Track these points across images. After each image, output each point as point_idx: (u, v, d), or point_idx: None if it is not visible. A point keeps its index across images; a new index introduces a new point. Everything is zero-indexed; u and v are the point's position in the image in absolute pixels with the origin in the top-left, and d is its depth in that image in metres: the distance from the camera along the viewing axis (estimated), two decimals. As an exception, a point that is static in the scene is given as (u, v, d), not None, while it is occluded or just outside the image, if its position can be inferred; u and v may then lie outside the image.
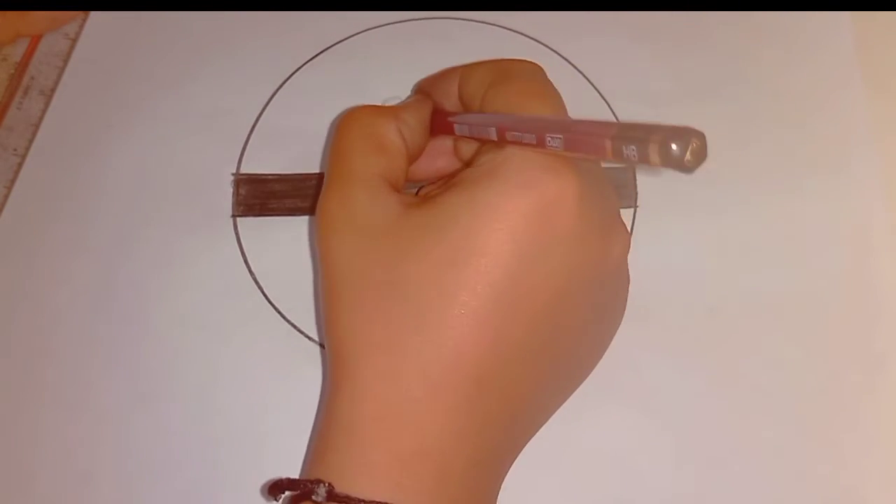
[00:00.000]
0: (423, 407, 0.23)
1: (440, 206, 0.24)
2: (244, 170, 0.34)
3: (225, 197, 0.34)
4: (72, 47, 0.37)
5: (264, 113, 0.35)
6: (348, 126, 0.28)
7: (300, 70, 0.36)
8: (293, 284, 0.32)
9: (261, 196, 0.33)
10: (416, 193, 0.29)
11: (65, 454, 0.30)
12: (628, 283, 0.28)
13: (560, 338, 0.25)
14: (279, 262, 0.33)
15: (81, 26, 0.37)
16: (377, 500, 0.23)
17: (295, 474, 0.29)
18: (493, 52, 0.32)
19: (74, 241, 0.33)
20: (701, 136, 0.18)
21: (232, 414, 0.30)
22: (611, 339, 0.28)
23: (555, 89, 0.26)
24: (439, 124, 0.29)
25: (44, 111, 0.35)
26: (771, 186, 0.34)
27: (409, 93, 0.35)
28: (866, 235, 0.33)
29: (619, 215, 0.27)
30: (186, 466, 0.30)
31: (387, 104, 0.35)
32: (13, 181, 0.34)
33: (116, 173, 0.34)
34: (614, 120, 0.21)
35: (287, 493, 0.24)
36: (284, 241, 0.33)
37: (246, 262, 0.33)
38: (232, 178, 0.34)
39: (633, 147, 0.19)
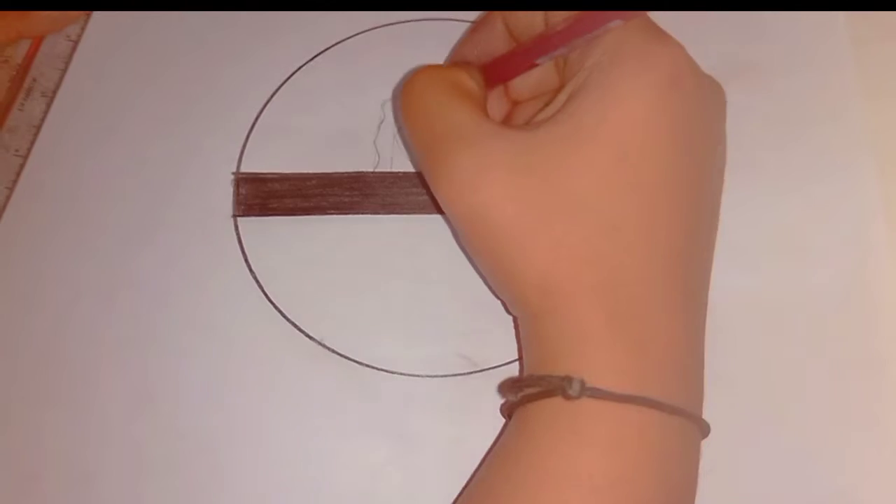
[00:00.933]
0: (647, 300, 0.24)
1: (577, 114, 0.24)
2: (244, 169, 0.34)
3: (226, 197, 0.34)
4: (73, 49, 0.37)
5: (264, 112, 0.35)
6: (428, 84, 0.27)
7: (301, 69, 0.36)
8: (294, 284, 0.32)
9: (261, 196, 0.34)
10: None
11: (67, 454, 0.30)
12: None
13: (709, 198, 0.26)
14: (280, 262, 0.33)
15: (83, 28, 0.37)
16: (630, 393, 0.23)
17: (297, 473, 0.30)
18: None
19: (76, 242, 0.33)
20: None
21: (233, 413, 0.30)
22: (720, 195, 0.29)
23: None
24: (496, 72, 0.29)
25: (45, 112, 0.36)
26: (769, 186, 0.34)
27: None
28: (865, 234, 0.33)
29: None
30: (187, 465, 0.30)
31: (386, 105, 0.35)
32: (15, 182, 0.34)
33: (118, 174, 0.34)
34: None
35: (530, 389, 0.24)
36: (285, 240, 0.33)
37: (247, 261, 0.33)
38: (232, 177, 0.34)
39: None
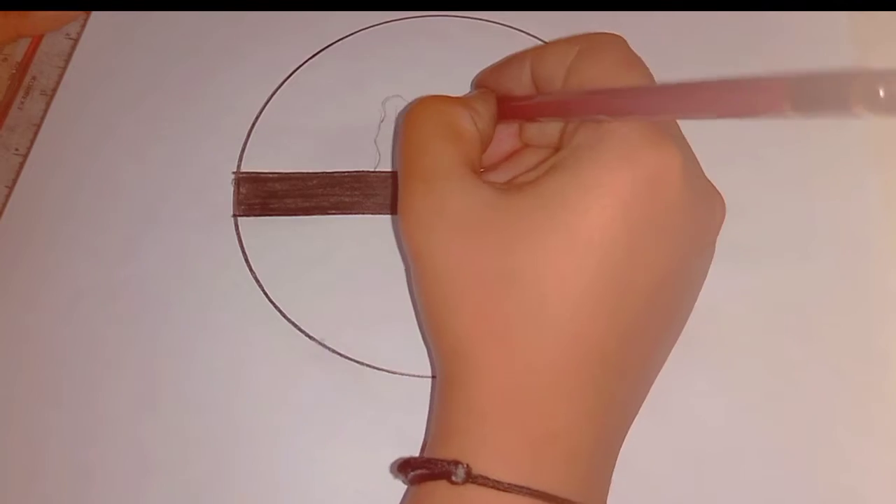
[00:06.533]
0: (553, 391, 0.23)
1: (545, 190, 0.24)
2: (245, 168, 0.34)
3: (226, 196, 0.34)
4: (73, 47, 0.37)
5: (265, 111, 0.35)
6: (421, 117, 0.27)
7: (301, 68, 0.36)
8: (294, 284, 0.32)
9: (261, 195, 0.34)
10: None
11: (67, 453, 0.30)
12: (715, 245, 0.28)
13: (668, 308, 0.25)
14: (280, 262, 0.33)
15: (83, 26, 0.37)
16: (514, 482, 0.22)
17: (297, 473, 0.30)
18: (493, 50, 0.32)
19: (75, 242, 0.33)
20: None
21: (233, 413, 0.30)
22: (695, 301, 0.28)
23: (642, 62, 0.26)
24: (508, 110, 0.29)
25: (45, 111, 0.35)
26: (770, 186, 0.34)
27: (410, 91, 0.35)
28: (866, 234, 0.33)
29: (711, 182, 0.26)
30: (187, 465, 0.30)
31: (387, 103, 0.35)
32: (15, 181, 0.34)
33: (117, 173, 0.34)
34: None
35: (417, 471, 0.24)
36: (285, 240, 0.33)
37: (247, 261, 0.33)
38: (233, 176, 0.34)
39: (823, 98, 0.18)
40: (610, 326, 0.24)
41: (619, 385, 0.25)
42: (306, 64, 0.36)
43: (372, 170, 0.34)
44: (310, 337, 0.31)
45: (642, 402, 0.27)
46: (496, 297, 0.24)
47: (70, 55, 0.37)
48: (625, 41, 0.27)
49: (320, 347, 0.31)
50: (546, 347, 0.23)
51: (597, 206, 0.23)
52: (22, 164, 0.34)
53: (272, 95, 0.35)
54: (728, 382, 0.31)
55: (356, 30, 0.37)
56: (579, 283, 0.23)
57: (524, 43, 0.36)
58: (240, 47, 0.37)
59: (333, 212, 0.33)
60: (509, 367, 0.24)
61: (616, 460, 0.26)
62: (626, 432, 0.26)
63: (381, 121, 0.35)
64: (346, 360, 0.31)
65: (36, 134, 0.35)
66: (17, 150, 0.35)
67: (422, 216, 0.25)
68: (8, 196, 0.34)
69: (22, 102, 0.36)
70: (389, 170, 0.34)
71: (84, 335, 0.32)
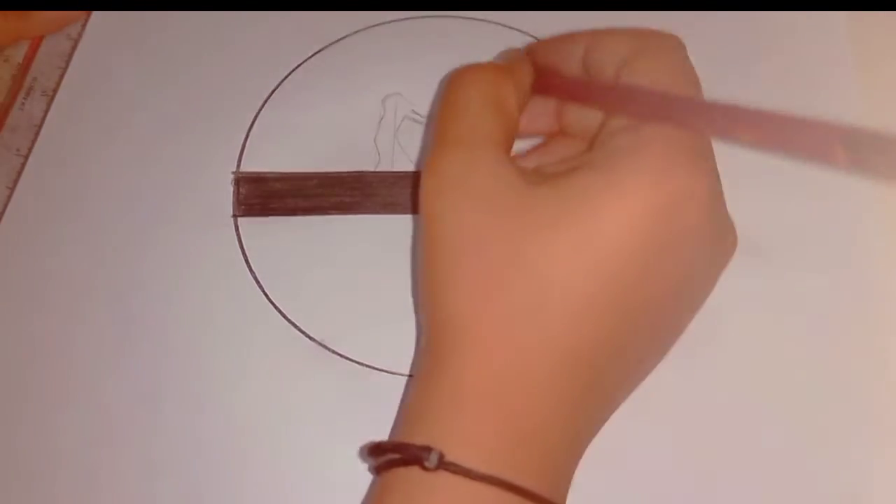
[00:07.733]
0: (539, 389, 0.23)
1: (572, 185, 0.24)
2: (245, 168, 0.34)
3: (226, 197, 0.34)
4: (74, 48, 0.37)
5: (264, 111, 0.35)
6: (468, 83, 0.27)
7: (300, 67, 0.36)
8: (294, 284, 0.32)
9: (261, 195, 0.34)
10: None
11: (67, 453, 0.30)
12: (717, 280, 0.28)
13: (662, 329, 0.25)
14: (280, 262, 0.33)
15: (83, 27, 0.37)
16: (489, 473, 0.22)
17: (297, 474, 0.30)
18: (493, 50, 0.32)
19: (76, 242, 0.33)
20: None
21: (232, 413, 0.30)
22: (686, 328, 0.28)
23: (696, 73, 0.26)
24: (552, 85, 0.28)
25: (46, 112, 0.36)
26: (769, 186, 0.34)
27: (408, 92, 0.35)
28: (865, 233, 0.33)
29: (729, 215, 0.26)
30: (187, 465, 0.30)
31: (387, 101, 0.35)
32: (16, 182, 0.34)
33: (118, 174, 0.34)
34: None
35: (388, 456, 0.24)
36: (285, 240, 0.33)
37: (247, 262, 0.33)
38: (232, 176, 0.34)
39: (881, 156, 0.18)
40: (606, 337, 0.23)
41: (601, 393, 0.25)
42: (306, 64, 0.36)
43: (372, 170, 0.34)
44: (310, 337, 0.31)
45: (616, 409, 0.27)
46: (507, 278, 0.23)
47: (71, 56, 0.37)
48: (683, 46, 0.27)
49: (320, 348, 0.31)
50: (541, 344, 0.23)
51: (619, 214, 0.23)
52: (23, 165, 0.35)
53: (272, 95, 0.36)
54: (728, 382, 0.31)
55: (356, 30, 0.37)
56: (586, 287, 0.23)
57: (524, 43, 0.36)
58: (240, 47, 0.37)
59: (333, 212, 0.33)
60: (500, 354, 0.23)
61: (581, 457, 0.26)
62: (597, 433, 0.26)
63: (381, 119, 0.35)
64: (347, 361, 0.31)
65: (37, 135, 0.35)
66: (18, 150, 0.35)
67: (445, 179, 0.25)
68: (9, 197, 0.34)
69: (23, 103, 0.36)
70: (389, 170, 0.34)
71: (84, 335, 0.32)
